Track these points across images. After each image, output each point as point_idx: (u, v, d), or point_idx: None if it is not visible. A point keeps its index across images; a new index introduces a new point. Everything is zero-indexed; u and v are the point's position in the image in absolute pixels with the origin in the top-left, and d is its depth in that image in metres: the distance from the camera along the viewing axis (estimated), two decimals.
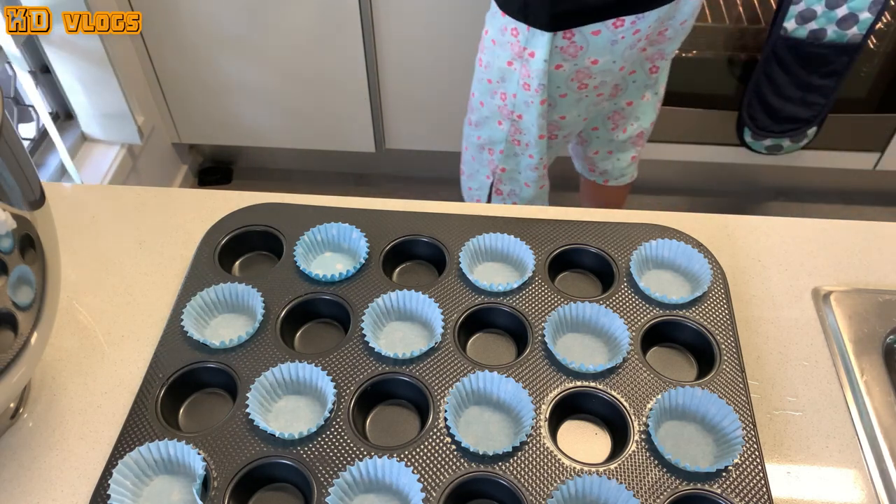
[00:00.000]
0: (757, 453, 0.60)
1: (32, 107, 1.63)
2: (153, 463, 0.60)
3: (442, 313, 0.69)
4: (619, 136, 1.39)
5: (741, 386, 0.65)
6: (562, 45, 1.09)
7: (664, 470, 0.59)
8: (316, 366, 0.65)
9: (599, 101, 1.25)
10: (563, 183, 1.60)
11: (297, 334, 0.72)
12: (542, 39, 1.08)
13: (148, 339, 0.71)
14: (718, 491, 0.58)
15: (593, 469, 0.59)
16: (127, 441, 0.62)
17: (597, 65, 1.12)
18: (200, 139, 2.04)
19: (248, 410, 0.62)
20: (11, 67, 1.55)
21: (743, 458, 0.60)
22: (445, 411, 0.62)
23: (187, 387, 0.67)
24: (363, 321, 0.69)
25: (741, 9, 1.70)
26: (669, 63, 1.30)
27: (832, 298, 0.73)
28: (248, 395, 0.63)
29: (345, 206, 0.81)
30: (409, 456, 0.60)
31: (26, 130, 1.65)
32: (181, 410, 0.66)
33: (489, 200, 1.38)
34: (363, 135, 1.93)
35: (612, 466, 0.60)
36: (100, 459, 0.62)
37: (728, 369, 0.66)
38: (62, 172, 1.67)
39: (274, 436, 0.61)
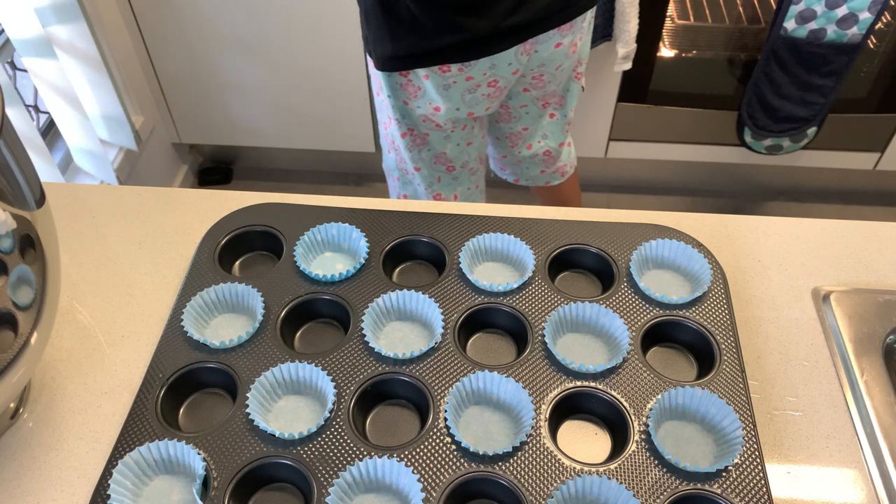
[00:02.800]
0: (757, 453, 0.60)
1: (33, 107, 1.63)
2: (153, 463, 0.60)
3: (442, 313, 0.69)
4: (523, 151, 1.37)
5: (741, 386, 0.65)
6: (401, 82, 1.10)
7: (664, 470, 0.59)
8: (316, 366, 0.65)
9: (472, 132, 1.22)
10: None
11: (297, 334, 0.72)
12: (381, 75, 1.10)
13: (148, 339, 0.71)
14: (718, 491, 0.58)
15: (593, 469, 0.59)
16: (127, 441, 0.62)
17: (440, 112, 1.12)
18: (200, 139, 2.04)
19: (248, 410, 0.62)
20: (12, 67, 1.55)
21: (743, 458, 0.60)
22: (445, 411, 0.62)
23: (187, 387, 0.67)
24: (363, 321, 0.69)
25: (741, 9, 1.70)
26: (576, 89, 1.28)
27: (832, 298, 0.73)
28: (248, 395, 0.63)
29: (345, 206, 0.81)
30: (409, 456, 0.60)
31: (27, 130, 1.65)
32: (181, 410, 0.66)
33: None
34: (363, 135, 1.93)
35: (612, 466, 0.60)
36: (100, 459, 0.62)
37: (728, 369, 0.66)
38: (63, 172, 1.67)
39: (274, 436, 0.61)
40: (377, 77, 1.13)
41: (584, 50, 1.21)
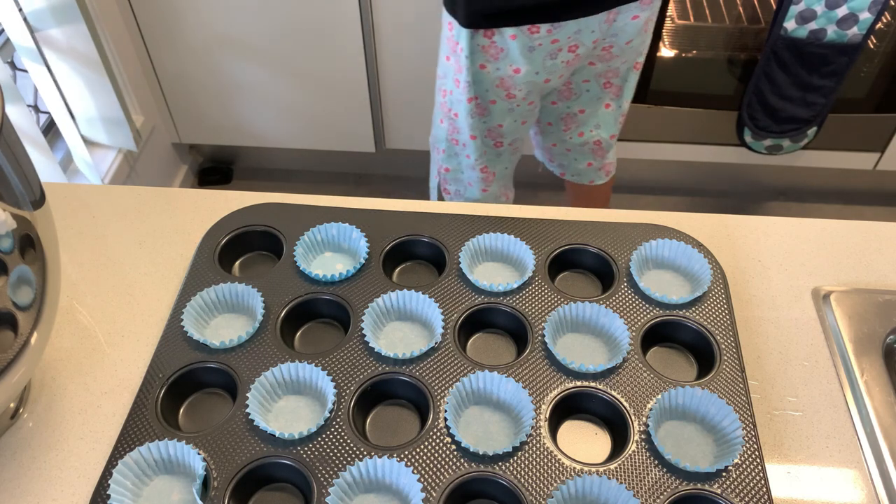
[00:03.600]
0: (757, 453, 0.60)
1: (33, 107, 1.63)
2: (153, 463, 0.60)
3: (442, 313, 0.69)
4: (574, 138, 1.39)
5: (741, 386, 0.65)
6: (483, 43, 1.10)
7: (664, 470, 0.59)
8: (316, 366, 0.65)
9: (533, 110, 1.25)
10: (558, 182, 1.60)
11: (297, 334, 0.72)
12: (464, 35, 1.10)
13: (148, 339, 0.71)
14: (718, 491, 0.58)
15: (593, 469, 0.59)
16: (127, 441, 0.62)
17: (519, 74, 1.13)
18: (200, 139, 2.04)
19: (248, 410, 0.62)
20: (12, 67, 1.55)
21: (743, 458, 0.60)
22: (445, 411, 0.62)
23: (187, 387, 0.67)
24: (363, 321, 0.69)
25: (741, 9, 1.70)
26: (633, 81, 1.30)
27: (832, 298, 0.73)
28: (248, 395, 0.63)
29: (345, 206, 0.81)
30: (409, 456, 0.60)
31: (27, 130, 1.65)
32: (181, 410, 0.66)
33: (440, 199, 1.40)
34: (363, 135, 1.93)
35: (612, 466, 0.60)
36: (100, 459, 0.62)
37: (728, 369, 0.66)
38: (63, 172, 1.67)
39: (274, 436, 0.61)
40: (452, 39, 1.12)
41: (647, 40, 1.23)
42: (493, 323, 0.72)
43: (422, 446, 0.61)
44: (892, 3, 1.48)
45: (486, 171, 1.32)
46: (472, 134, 1.24)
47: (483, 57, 1.12)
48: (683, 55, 1.74)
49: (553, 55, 1.12)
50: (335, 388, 0.64)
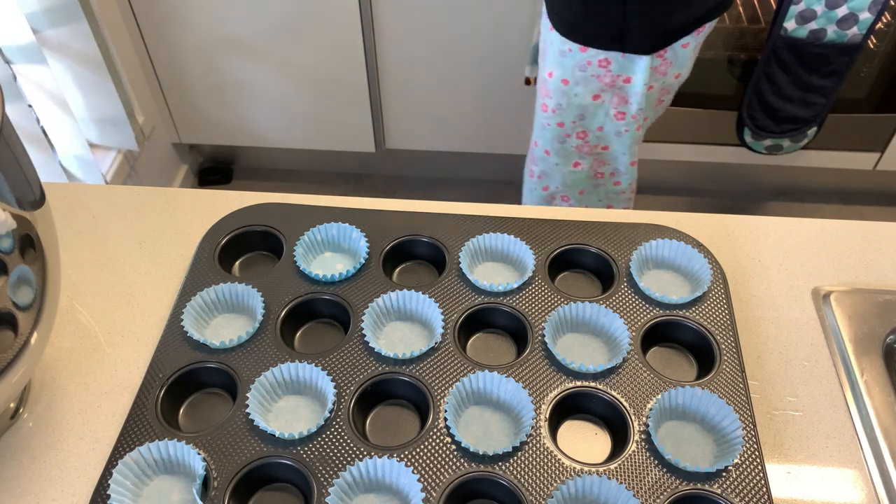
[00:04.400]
0: (757, 453, 0.60)
1: (33, 107, 1.63)
2: (153, 463, 0.60)
3: (442, 313, 0.69)
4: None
5: (741, 386, 0.65)
6: (655, 64, 1.10)
7: (664, 470, 0.59)
8: (316, 366, 0.65)
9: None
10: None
11: (297, 334, 0.72)
12: (641, 63, 1.08)
13: (148, 339, 0.71)
14: (718, 491, 0.58)
15: (593, 469, 0.59)
16: (127, 441, 0.62)
17: (678, 78, 1.15)
18: (200, 139, 2.04)
19: (248, 410, 0.62)
20: (11, 68, 1.55)
21: (743, 458, 0.60)
22: (445, 411, 0.62)
23: (187, 387, 0.67)
24: (363, 321, 0.69)
25: (741, 9, 1.69)
26: None
27: (832, 298, 0.73)
28: (248, 395, 0.63)
29: (345, 206, 0.81)
30: (409, 456, 0.60)
31: (26, 130, 1.65)
32: (181, 410, 0.66)
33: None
34: (363, 135, 1.93)
35: (612, 466, 0.60)
36: (100, 459, 0.62)
37: (728, 369, 0.66)
38: (63, 172, 1.67)
39: (274, 436, 0.61)
40: (606, 76, 1.10)
41: None
42: (493, 323, 0.72)
43: (422, 446, 0.61)
44: (893, 3, 1.48)
45: (635, 164, 1.33)
46: (632, 160, 1.24)
47: (653, 77, 1.11)
48: None
49: (692, 56, 1.14)
50: (335, 388, 0.64)
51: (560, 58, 1.12)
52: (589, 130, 1.20)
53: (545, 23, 1.12)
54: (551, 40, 1.11)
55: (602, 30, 1.06)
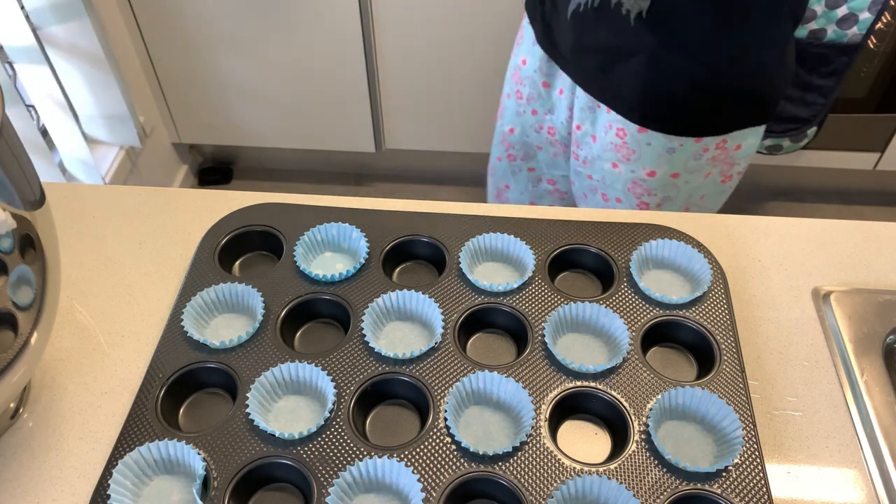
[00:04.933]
0: (757, 453, 0.60)
1: (33, 107, 1.63)
2: (153, 463, 0.60)
3: (442, 313, 0.69)
4: None
5: (741, 386, 0.65)
6: (715, 154, 1.08)
7: (664, 470, 0.59)
8: (316, 366, 0.65)
9: None
10: None
11: (297, 334, 0.72)
12: (757, 129, 1.09)
13: (148, 339, 0.71)
14: (718, 491, 0.58)
15: (593, 469, 0.59)
16: (127, 441, 0.62)
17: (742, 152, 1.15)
18: (200, 139, 2.04)
19: (248, 410, 0.62)
20: (12, 67, 1.55)
21: (743, 458, 0.60)
22: (445, 411, 0.62)
23: (187, 387, 0.67)
24: (363, 321, 0.69)
25: None
26: None
27: (832, 298, 0.73)
28: (248, 395, 0.63)
29: (345, 206, 0.81)
30: (409, 456, 0.60)
31: (27, 130, 1.65)
32: (181, 410, 0.66)
33: None
34: (363, 135, 1.93)
35: (612, 466, 0.60)
36: (100, 459, 0.62)
37: (728, 369, 0.66)
38: (62, 172, 1.67)
39: (274, 436, 0.61)
40: (733, 145, 1.08)
41: None
42: (493, 323, 0.71)
43: (422, 446, 0.61)
44: (893, 3, 1.48)
45: None
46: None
47: (719, 166, 1.11)
48: None
49: None
50: (335, 388, 0.64)
51: (668, 155, 1.05)
52: (692, 205, 1.20)
53: (625, 125, 1.01)
54: (647, 140, 1.02)
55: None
